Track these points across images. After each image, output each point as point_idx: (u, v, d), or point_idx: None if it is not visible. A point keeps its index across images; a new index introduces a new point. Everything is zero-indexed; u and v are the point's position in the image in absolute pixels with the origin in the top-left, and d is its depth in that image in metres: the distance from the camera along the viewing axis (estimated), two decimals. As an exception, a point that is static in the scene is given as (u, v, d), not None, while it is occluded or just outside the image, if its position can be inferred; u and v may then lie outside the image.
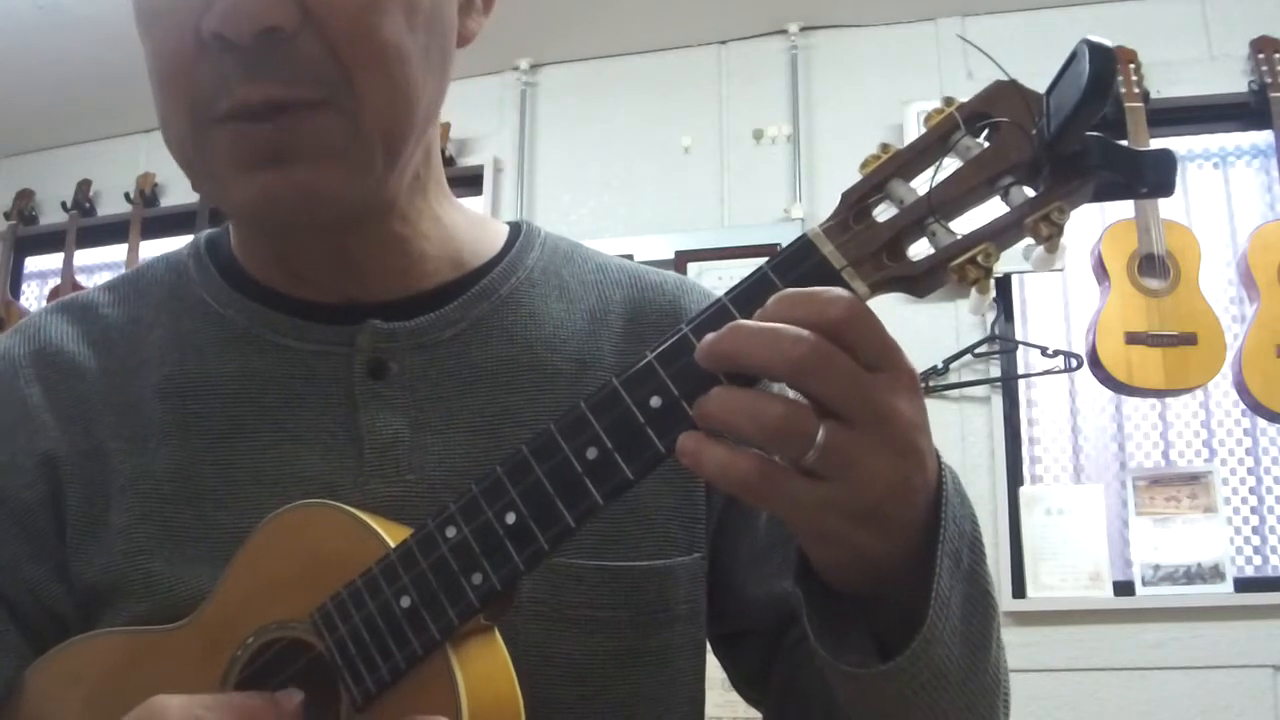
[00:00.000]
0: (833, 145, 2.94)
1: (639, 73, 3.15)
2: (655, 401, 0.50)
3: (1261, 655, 2.38)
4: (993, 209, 0.50)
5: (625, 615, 0.66)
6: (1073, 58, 0.46)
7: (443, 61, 0.65)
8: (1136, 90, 2.58)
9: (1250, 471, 2.62)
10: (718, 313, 0.51)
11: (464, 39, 0.69)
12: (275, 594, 0.58)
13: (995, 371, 2.68)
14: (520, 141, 3.16)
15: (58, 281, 3.35)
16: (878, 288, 0.51)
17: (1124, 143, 0.49)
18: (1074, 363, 2.57)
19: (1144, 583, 2.46)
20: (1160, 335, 2.44)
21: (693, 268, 2.84)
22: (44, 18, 2.96)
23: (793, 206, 2.88)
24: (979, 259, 0.49)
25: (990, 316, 2.69)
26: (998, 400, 2.66)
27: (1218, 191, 2.77)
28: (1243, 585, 2.46)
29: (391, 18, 0.59)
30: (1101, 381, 2.51)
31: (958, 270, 0.50)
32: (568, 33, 3.10)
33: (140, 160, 3.41)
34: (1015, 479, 2.63)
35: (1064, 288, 2.77)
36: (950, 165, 0.51)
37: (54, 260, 3.46)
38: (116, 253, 3.41)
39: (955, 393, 2.68)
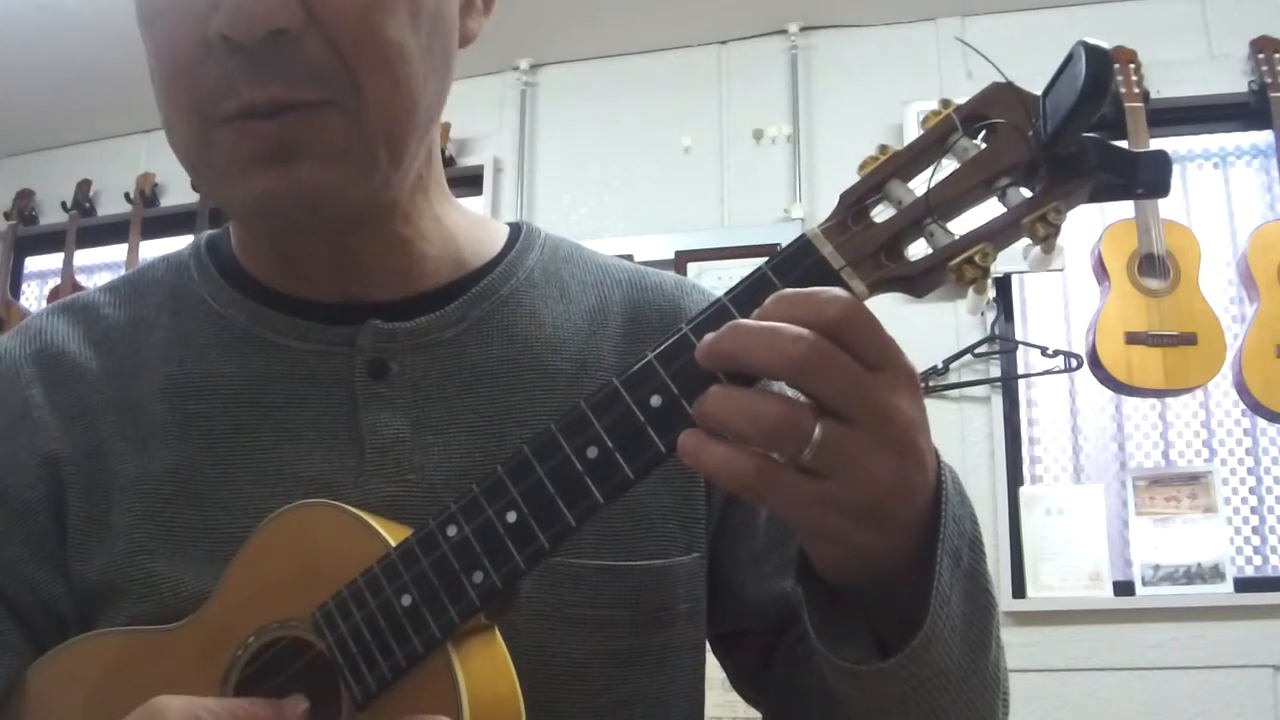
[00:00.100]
0: (833, 145, 2.94)
1: (639, 73, 3.15)
2: (655, 401, 0.51)
3: (1261, 655, 2.38)
4: (990, 210, 0.50)
5: (625, 615, 0.66)
6: (1069, 59, 0.47)
7: (445, 62, 0.65)
8: (1136, 90, 2.59)
9: (1250, 471, 2.62)
10: (717, 312, 0.51)
11: (465, 39, 0.69)
12: (276, 593, 0.58)
13: (995, 371, 2.68)
14: (520, 141, 3.17)
15: (58, 281, 3.35)
16: (876, 287, 0.51)
17: (1121, 144, 0.49)
18: (1074, 363, 2.58)
19: (1144, 583, 2.47)
20: (1160, 335, 2.44)
21: (693, 268, 2.84)
22: (44, 18, 2.96)
23: (793, 206, 2.88)
24: (976, 259, 0.49)
25: (990, 316, 2.69)
26: (998, 400, 2.67)
27: (1218, 191, 2.77)
28: (1243, 585, 2.46)
29: (396, 18, 0.60)
30: (1101, 381, 2.51)
31: (955, 270, 0.50)
32: (568, 33, 3.10)
33: (140, 160, 3.42)
34: (1015, 479, 2.63)
35: (1064, 288, 2.77)
36: (948, 166, 0.51)
37: (54, 260, 3.46)
38: (116, 253, 3.41)
39: (955, 393, 2.68)
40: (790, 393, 0.49)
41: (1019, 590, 2.51)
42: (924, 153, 0.52)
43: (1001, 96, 0.50)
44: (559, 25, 3.06)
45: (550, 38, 3.12)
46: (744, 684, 0.78)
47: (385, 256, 0.69)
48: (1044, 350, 2.62)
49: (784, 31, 3.03)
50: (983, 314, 2.69)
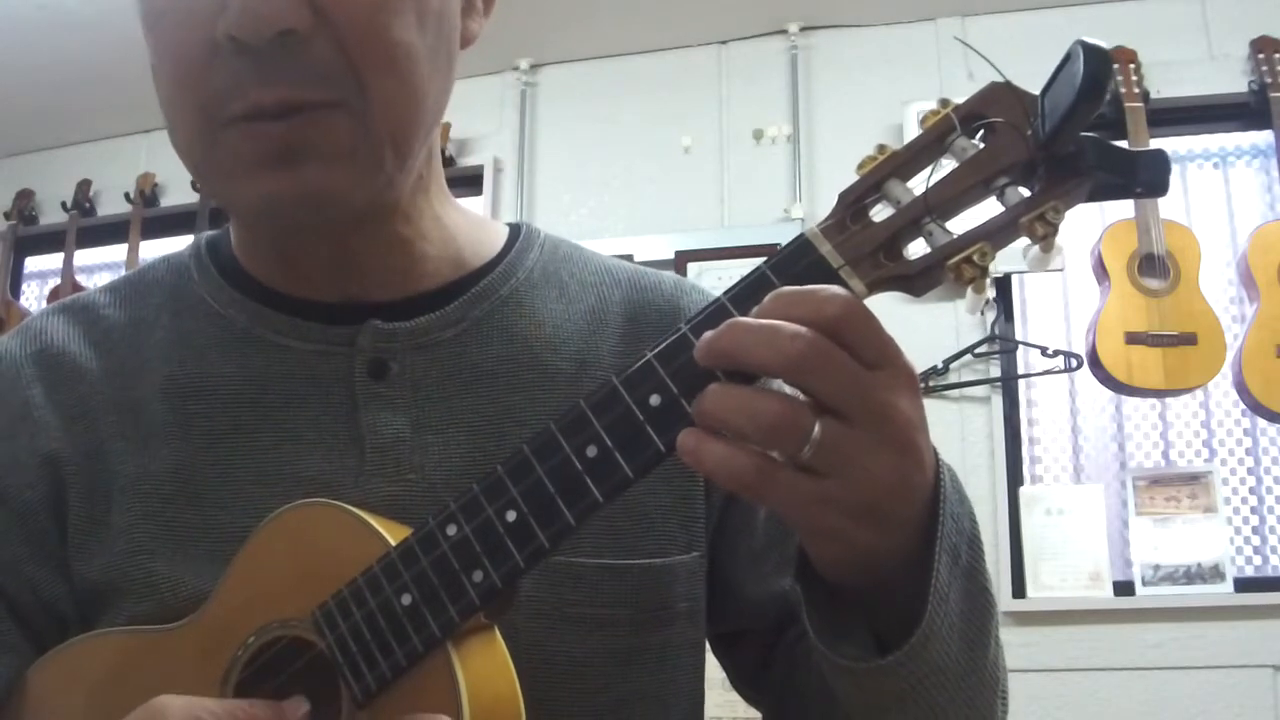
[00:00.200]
0: (832, 145, 2.94)
1: (639, 73, 3.15)
2: (655, 400, 0.51)
3: (1261, 655, 2.38)
4: (989, 209, 0.51)
5: (625, 614, 0.66)
6: (1067, 59, 0.47)
7: (449, 62, 0.66)
8: (1136, 90, 2.59)
9: (1250, 471, 2.62)
10: (716, 311, 0.51)
11: (465, 40, 0.70)
12: (276, 593, 0.58)
13: (995, 371, 2.68)
14: (520, 141, 3.17)
15: (58, 282, 3.35)
16: (875, 286, 0.51)
17: (1121, 144, 0.49)
18: (1074, 363, 2.58)
19: (1144, 583, 2.47)
20: (1160, 335, 2.44)
21: (693, 268, 2.84)
22: (44, 18, 2.96)
23: (793, 206, 2.89)
24: (975, 258, 0.49)
25: (990, 316, 2.69)
26: (998, 400, 2.67)
27: (1218, 191, 2.77)
28: (1243, 585, 2.46)
29: (403, 19, 0.60)
30: (1101, 381, 2.51)
31: (954, 269, 0.50)
32: (568, 33, 3.10)
33: (140, 160, 3.42)
34: (1015, 479, 2.63)
35: (1064, 288, 2.77)
36: (946, 166, 0.51)
37: (54, 260, 3.46)
38: (116, 253, 3.41)
39: (955, 393, 2.68)
40: (789, 391, 0.49)
41: (1019, 590, 2.51)
42: (922, 152, 0.52)
43: (1000, 96, 0.51)
44: (559, 25, 3.06)
45: (550, 38, 3.12)
46: (743, 683, 0.78)
47: (385, 256, 0.69)
48: (1044, 350, 2.62)
49: (784, 31, 3.03)
50: (982, 314, 2.69)
